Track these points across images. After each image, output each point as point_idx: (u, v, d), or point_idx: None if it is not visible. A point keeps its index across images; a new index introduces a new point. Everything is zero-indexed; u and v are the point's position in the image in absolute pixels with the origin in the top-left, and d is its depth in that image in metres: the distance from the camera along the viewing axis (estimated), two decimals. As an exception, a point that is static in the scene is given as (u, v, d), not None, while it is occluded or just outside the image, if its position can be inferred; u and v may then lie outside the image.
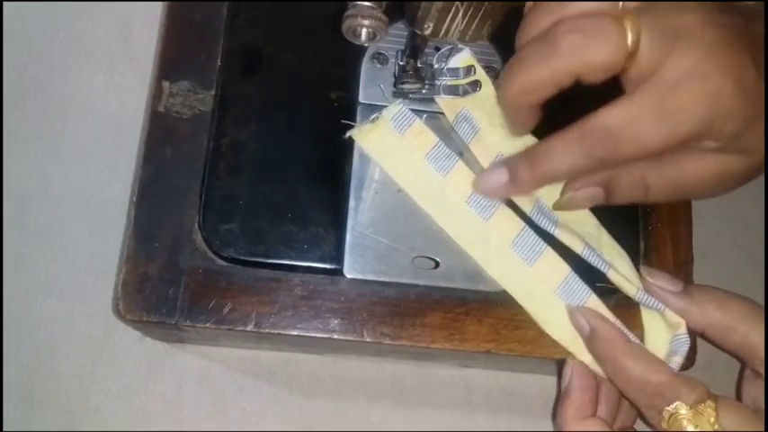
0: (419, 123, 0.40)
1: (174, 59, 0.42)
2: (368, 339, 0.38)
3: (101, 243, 0.44)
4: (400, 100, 0.41)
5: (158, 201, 0.39)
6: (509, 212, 0.40)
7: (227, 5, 0.42)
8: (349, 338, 0.38)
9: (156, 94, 0.41)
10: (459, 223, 0.39)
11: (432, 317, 0.39)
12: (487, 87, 0.41)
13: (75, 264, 0.44)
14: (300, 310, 0.38)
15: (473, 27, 0.34)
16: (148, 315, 0.38)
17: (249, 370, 0.44)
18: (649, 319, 0.39)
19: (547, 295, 0.39)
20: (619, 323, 0.38)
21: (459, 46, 0.41)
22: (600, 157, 0.34)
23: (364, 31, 0.34)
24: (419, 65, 0.40)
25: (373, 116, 0.40)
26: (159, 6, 0.43)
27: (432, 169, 0.40)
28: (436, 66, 0.41)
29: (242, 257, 0.39)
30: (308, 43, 0.42)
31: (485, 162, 0.40)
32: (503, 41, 0.42)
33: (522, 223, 0.39)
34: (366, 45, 0.38)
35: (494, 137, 0.40)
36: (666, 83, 0.33)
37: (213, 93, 0.41)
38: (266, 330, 0.38)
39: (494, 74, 0.41)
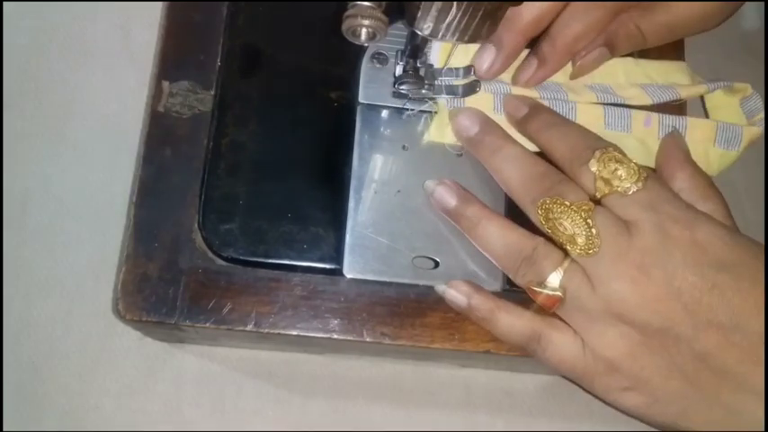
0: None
1: (174, 59, 0.42)
2: (368, 339, 0.38)
3: (101, 243, 0.44)
4: (439, 84, 0.41)
5: (158, 201, 0.39)
6: (584, 107, 0.42)
7: (227, 5, 0.42)
8: (349, 338, 0.38)
9: (156, 94, 0.41)
10: None
11: (431, 317, 0.39)
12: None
13: (75, 264, 0.44)
14: (300, 310, 0.38)
15: (473, 27, 0.34)
16: (148, 315, 0.38)
17: (249, 370, 0.44)
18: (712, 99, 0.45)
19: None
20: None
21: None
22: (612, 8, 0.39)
23: (364, 31, 0.34)
24: (419, 65, 0.40)
25: (425, 116, 0.41)
26: (159, 6, 0.43)
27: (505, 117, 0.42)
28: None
29: (242, 257, 0.39)
30: (308, 43, 0.42)
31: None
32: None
33: (600, 107, 0.42)
34: (366, 45, 0.38)
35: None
36: None
37: (213, 93, 0.41)
38: (266, 330, 0.38)
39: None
